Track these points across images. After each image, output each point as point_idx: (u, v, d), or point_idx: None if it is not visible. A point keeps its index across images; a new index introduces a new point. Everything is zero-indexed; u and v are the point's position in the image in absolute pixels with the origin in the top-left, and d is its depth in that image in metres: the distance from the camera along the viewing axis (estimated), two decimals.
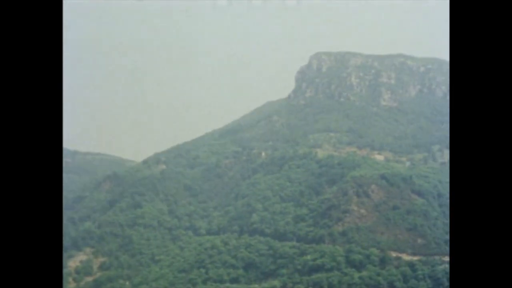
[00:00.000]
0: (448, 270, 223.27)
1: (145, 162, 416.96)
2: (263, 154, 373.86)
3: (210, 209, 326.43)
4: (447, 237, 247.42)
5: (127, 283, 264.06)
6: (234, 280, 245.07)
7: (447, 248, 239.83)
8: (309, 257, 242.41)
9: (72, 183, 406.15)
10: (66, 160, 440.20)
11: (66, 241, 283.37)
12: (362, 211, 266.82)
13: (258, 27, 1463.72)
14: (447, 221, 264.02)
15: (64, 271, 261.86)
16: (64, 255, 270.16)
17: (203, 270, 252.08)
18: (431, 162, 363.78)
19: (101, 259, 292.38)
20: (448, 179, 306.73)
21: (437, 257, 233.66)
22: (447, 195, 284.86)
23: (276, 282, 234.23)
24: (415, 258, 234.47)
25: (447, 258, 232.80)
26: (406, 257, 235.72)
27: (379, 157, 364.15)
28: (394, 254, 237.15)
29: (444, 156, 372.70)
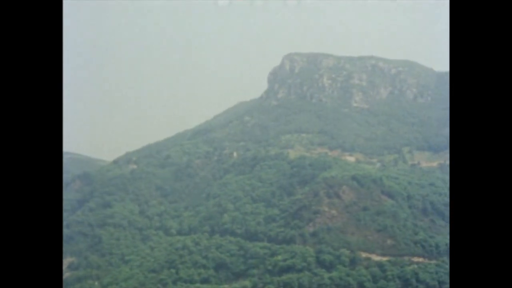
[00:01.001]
0: (416, 270, 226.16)
1: (115, 161, 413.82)
2: (234, 154, 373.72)
3: (181, 209, 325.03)
4: (416, 238, 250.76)
5: (96, 283, 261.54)
6: (205, 281, 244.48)
7: (416, 249, 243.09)
8: (279, 257, 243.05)
9: None
10: None
11: None
12: (333, 212, 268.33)
13: (231, 27, 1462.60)
14: (416, 222, 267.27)
15: None
16: None
17: (173, 271, 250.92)
18: (401, 163, 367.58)
19: (70, 259, 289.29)
20: (417, 181, 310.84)
21: (406, 258, 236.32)
22: (417, 196, 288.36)
23: (246, 283, 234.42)
24: (385, 258, 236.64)
25: (415, 259, 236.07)
26: (375, 258, 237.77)
27: (350, 158, 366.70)
28: (364, 255, 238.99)
29: (414, 157, 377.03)
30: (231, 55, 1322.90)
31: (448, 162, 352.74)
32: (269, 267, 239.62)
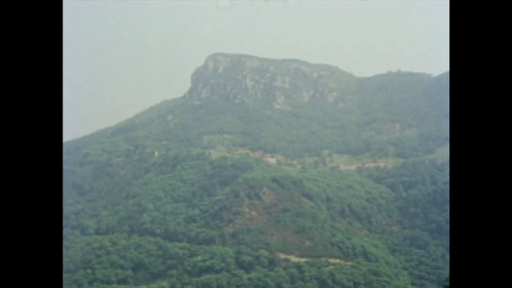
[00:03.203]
0: (333, 271, 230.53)
1: None
2: (156, 153, 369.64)
3: (99, 208, 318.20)
4: (334, 239, 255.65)
5: None
6: (122, 281, 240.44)
7: (333, 250, 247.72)
8: (199, 258, 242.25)
9: None
10: None
11: None
12: (253, 213, 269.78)
13: (161, 26, 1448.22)
14: (334, 224, 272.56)
15: None
16: None
17: (89, 271, 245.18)
18: (321, 166, 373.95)
19: None
20: (336, 183, 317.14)
21: (323, 259, 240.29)
22: (335, 198, 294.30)
23: (165, 283, 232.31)
24: (303, 259, 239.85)
25: (332, 260, 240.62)
26: (294, 259, 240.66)
27: (271, 160, 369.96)
28: (282, 256, 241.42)
29: (334, 160, 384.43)
30: (155, 53, 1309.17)
31: (366, 165, 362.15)
32: (188, 268, 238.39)
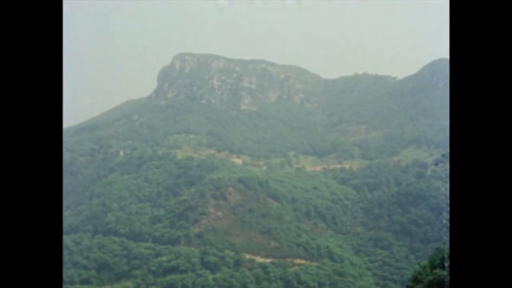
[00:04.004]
0: (298, 272, 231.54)
1: None
2: (121, 153, 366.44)
3: (62, 207, 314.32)
4: (299, 240, 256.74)
5: None
6: (85, 281, 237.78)
7: (298, 251, 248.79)
8: (164, 258, 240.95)
9: None
10: None
11: None
12: (219, 213, 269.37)
13: (133, 25, 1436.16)
14: (299, 224, 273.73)
15: None
16: None
17: None
18: (287, 167, 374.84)
19: None
20: (301, 184, 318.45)
21: (288, 260, 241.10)
22: (301, 199, 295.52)
23: (129, 283, 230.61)
24: (268, 260, 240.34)
25: (297, 261, 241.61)
26: (259, 259, 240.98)
27: (238, 161, 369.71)
28: (248, 256, 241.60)
29: (299, 161, 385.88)
30: (122, 52, 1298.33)
31: (332, 166, 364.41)
32: (153, 268, 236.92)
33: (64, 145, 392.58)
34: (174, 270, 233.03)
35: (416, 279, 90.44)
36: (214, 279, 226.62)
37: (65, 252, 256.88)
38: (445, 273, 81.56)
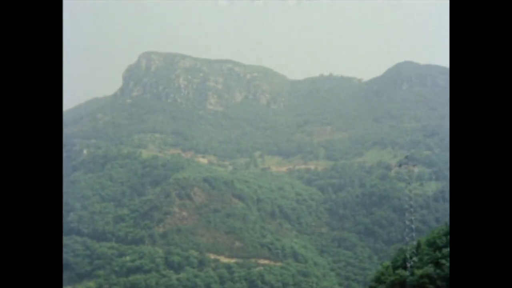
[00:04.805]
0: (262, 272, 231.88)
1: None
2: (85, 151, 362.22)
3: None
4: (263, 240, 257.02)
5: None
6: None
7: (263, 251, 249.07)
8: (127, 258, 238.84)
9: None
10: None
11: None
12: (184, 213, 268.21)
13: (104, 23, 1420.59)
14: (264, 225, 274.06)
15: None
16: None
17: None
18: (253, 167, 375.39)
19: None
20: (267, 185, 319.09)
21: (253, 260, 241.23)
22: (266, 200, 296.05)
23: (91, 284, 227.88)
24: (232, 260, 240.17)
25: (262, 261, 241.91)
26: (223, 259, 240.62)
27: (203, 160, 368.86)
28: (212, 256, 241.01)
29: (265, 162, 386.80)
30: (87, 50, 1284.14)
31: (297, 167, 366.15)
32: (116, 268, 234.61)
33: None
34: (137, 270, 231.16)
35: (378, 280, 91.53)
36: (178, 279, 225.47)
37: None
38: (407, 273, 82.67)
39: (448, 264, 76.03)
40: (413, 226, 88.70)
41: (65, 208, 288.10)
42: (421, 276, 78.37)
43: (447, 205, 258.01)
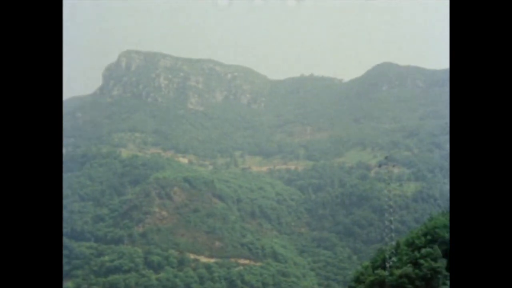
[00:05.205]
0: (242, 272, 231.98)
1: None
2: (64, 150, 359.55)
3: None
4: (243, 240, 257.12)
5: None
6: None
7: (243, 251, 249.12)
8: (106, 258, 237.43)
9: None
10: None
11: None
12: (164, 213, 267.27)
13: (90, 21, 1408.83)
14: (244, 225, 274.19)
15: None
16: None
17: None
18: (233, 167, 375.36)
19: None
20: (247, 185, 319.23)
21: (232, 260, 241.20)
22: (246, 199, 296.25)
23: (69, 284, 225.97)
24: (212, 260, 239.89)
25: (242, 261, 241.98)
26: (203, 259, 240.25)
27: (183, 160, 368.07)
28: (192, 256, 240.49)
29: (245, 162, 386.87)
30: (67, 48, 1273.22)
31: (277, 167, 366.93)
32: (95, 268, 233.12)
33: None
34: (117, 270, 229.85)
35: (358, 280, 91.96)
36: (157, 279, 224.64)
37: None
38: (386, 273, 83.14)
39: (426, 264, 76.84)
40: (392, 226, 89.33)
41: None
42: (400, 276, 78.90)
43: (426, 206, 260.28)
